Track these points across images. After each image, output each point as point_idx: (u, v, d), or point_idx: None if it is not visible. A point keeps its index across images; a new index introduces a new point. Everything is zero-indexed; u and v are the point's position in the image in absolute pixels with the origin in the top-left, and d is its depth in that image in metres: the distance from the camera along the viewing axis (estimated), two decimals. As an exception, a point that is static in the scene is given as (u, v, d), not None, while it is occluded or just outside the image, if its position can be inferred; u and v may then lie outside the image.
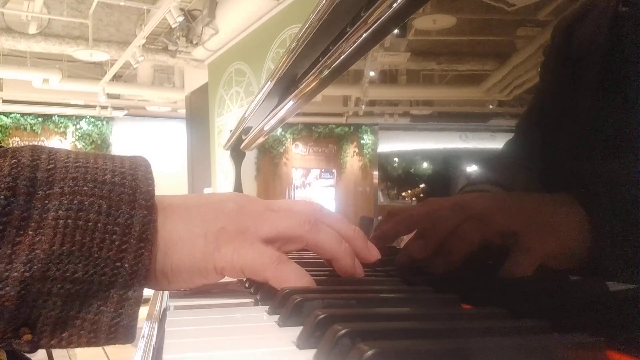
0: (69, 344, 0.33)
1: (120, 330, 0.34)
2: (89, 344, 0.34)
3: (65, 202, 0.34)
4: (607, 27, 0.35)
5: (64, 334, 0.33)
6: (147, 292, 0.41)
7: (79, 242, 0.34)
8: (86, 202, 0.35)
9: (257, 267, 0.41)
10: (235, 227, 0.42)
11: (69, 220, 0.34)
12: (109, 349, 3.66)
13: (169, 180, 8.84)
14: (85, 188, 0.35)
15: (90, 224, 0.34)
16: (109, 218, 0.35)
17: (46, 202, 0.34)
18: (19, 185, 0.33)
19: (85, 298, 0.34)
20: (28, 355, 0.36)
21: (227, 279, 0.46)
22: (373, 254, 0.48)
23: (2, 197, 0.33)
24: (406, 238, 0.69)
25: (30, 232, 0.33)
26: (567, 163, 0.39)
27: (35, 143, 0.41)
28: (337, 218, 0.47)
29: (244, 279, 0.57)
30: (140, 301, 0.36)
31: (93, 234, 0.34)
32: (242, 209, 0.43)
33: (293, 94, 0.93)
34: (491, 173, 0.53)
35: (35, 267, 0.32)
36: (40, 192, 0.34)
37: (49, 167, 0.35)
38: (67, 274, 0.33)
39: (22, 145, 0.37)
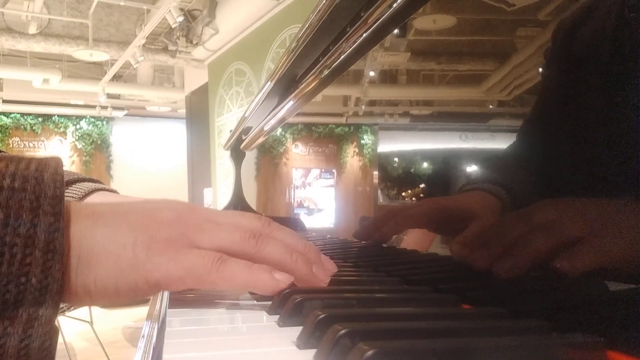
0: None
1: (30, 354, 0.31)
2: None
3: None
4: (613, 30, 0.35)
5: None
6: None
7: None
8: None
9: (200, 272, 0.37)
10: (169, 235, 0.38)
11: None
12: (109, 349, 3.66)
13: (168, 180, 8.84)
14: None
15: None
16: (7, 229, 0.31)
17: None
18: None
19: None
20: None
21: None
22: (328, 267, 0.44)
23: None
24: (407, 239, 0.69)
25: None
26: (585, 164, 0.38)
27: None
28: (286, 232, 0.43)
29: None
30: (53, 319, 0.32)
31: None
32: (179, 217, 0.39)
33: (293, 94, 0.93)
34: (491, 173, 0.53)
35: None
36: None
37: None
38: None
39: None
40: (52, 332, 0.32)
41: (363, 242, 0.77)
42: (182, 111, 7.74)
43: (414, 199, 0.71)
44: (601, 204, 0.37)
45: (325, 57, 0.76)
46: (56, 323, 0.33)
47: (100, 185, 0.71)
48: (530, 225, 0.40)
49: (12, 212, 0.32)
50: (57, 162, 0.36)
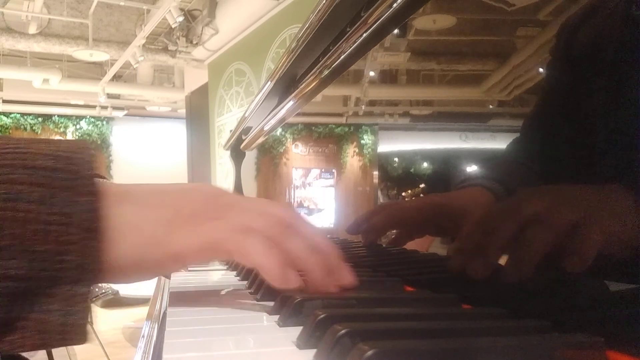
0: (17, 347, 0.31)
1: (71, 330, 0.31)
2: (40, 346, 0.31)
3: None
4: (619, 29, 0.35)
5: (10, 337, 0.30)
6: (148, 292, 0.40)
7: (10, 236, 0.30)
8: (16, 190, 0.31)
9: (218, 241, 0.37)
10: (194, 211, 0.38)
11: None
12: (109, 349, 3.66)
13: (168, 180, 8.82)
14: (16, 175, 0.32)
15: (21, 214, 0.31)
16: (46, 207, 0.31)
17: None
18: None
19: (31, 296, 0.31)
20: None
21: (229, 281, 0.46)
22: (344, 278, 0.41)
23: None
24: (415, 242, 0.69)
25: None
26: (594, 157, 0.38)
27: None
28: (314, 230, 0.42)
29: (246, 281, 0.57)
30: (89, 297, 0.33)
31: (29, 226, 0.31)
32: (207, 198, 0.40)
33: (293, 94, 0.93)
34: (488, 169, 0.53)
35: None
36: None
37: None
38: (6, 271, 0.30)
39: None
40: (88, 310, 0.33)
41: (362, 242, 0.76)
42: (182, 111, 7.74)
43: (413, 199, 0.71)
44: (593, 191, 0.37)
45: (325, 57, 0.76)
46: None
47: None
48: (522, 220, 0.39)
49: (50, 191, 0.32)
50: (87, 144, 0.37)
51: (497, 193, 0.50)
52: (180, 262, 0.38)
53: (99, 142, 9.01)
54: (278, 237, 0.39)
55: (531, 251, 0.38)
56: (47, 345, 0.31)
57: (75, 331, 0.32)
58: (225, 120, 5.45)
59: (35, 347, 0.31)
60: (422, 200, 0.69)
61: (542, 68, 0.44)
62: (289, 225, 0.40)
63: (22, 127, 8.49)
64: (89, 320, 0.33)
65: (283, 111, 1.02)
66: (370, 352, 0.23)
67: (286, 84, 0.97)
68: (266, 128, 1.19)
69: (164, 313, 0.45)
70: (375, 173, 0.79)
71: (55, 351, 2.72)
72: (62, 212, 0.32)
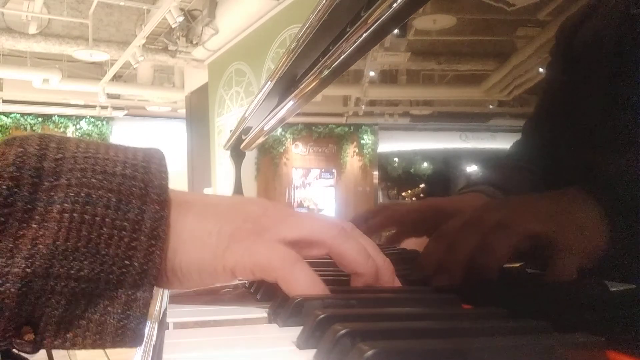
0: (73, 345, 0.32)
1: (127, 333, 0.32)
2: (94, 346, 0.32)
3: (72, 194, 0.32)
4: (616, 28, 0.35)
5: (68, 335, 0.32)
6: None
7: (85, 238, 0.31)
8: (94, 195, 0.32)
9: (268, 266, 0.37)
10: (252, 227, 0.39)
11: (74, 214, 0.31)
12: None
13: (168, 180, 8.83)
14: (93, 180, 0.33)
15: (97, 218, 0.32)
16: (118, 213, 0.33)
17: (52, 194, 0.32)
18: (23, 175, 0.31)
19: (91, 297, 0.32)
20: (25, 355, 0.34)
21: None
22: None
23: (4, 187, 0.30)
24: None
25: (34, 226, 0.31)
26: (575, 160, 0.39)
27: (46, 133, 0.38)
28: (369, 241, 0.43)
29: (246, 280, 0.58)
30: (149, 302, 0.34)
31: (100, 229, 0.32)
32: (264, 211, 0.40)
33: (293, 94, 0.93)
34: (491, 175, 0.53)
35: (37, 262, 0.30)
36: (46, 183, 0.32)
37: (56, 157, 0.33)
38: (72, 271, 0.31)
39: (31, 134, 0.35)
40: (146, 315, 0.33)
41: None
42: (182, 111, 7.74)
43: (413, 199, 0.71)
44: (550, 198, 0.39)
45: (325, 57, 0.76)
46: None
47: None
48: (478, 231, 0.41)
49: (123, 198, 0.33)
50: (161, 154, 0.38)
51: (492, 197, 0.51)
52: (232, 276, 0.38)
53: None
54: (334, 238, 0.40)
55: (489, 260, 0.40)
56: (102, 346, 0.32)
57: (131, 335, 0.32)
58: (225, 120, 5.45)
59: (92, 347, 0.32)
60: (421, 203, 0.70)
61: (542, 68, 0.44)
62: (344, 229, 0.41)
63: (22, 127, 8.48)
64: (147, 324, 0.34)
65: (283, 111, 1.02)
66: (370, 352, 0.23)
67: (286, 84, 0.97)
68: (266, 128, 1.19)
69: (164, 313, 0.45)
70: (375, 173, 0.79)
71: (56, 351, 2.71)
72: (133, 219, 0.33)
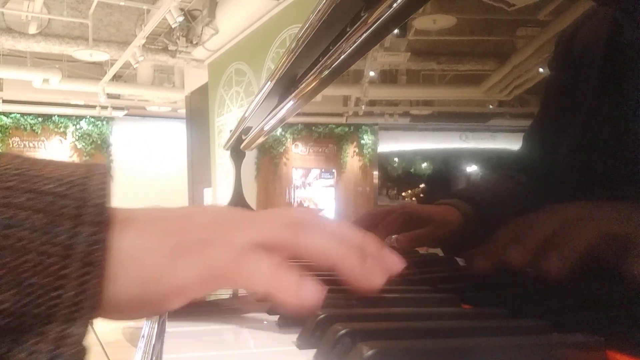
0: None
1: None
2: None
3: None
4: (607, 34, 0.35)
5: None
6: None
7: (7, 265, 0.28)
8: (19, 216, 0.29)
9: (218, 270, 0.33)
10: (199, 237, 0.34)
11: None
12: (109, 349, 3.66)
13: (169, 180, 8.84)
14: (20, 199, 0.29)
15: (21, 243, 0.28)
16: (46, 236, 0.29)
17: None
18: None
19: (17, 334, 0.28)
20: None
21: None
22: (390, 263, 0.37)
23: None
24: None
25: None
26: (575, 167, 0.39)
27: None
28: (340, 223, 0.38)
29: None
30: (83, 338, 0.29)
31: (25, 256, 0.28)
32: (214, 219, 0.36)
33: (293, 94, 0.93)
34: (473, 190, 0.55)
35: None
36: None
37: None
38: None
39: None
40: (82, 353, 0.29)
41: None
42: (182, 111, 7.74)
43: (413, 199, 0.71)
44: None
45: (325, 57, 0.76)
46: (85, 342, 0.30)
47: None
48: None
49: (53, 219, 0.29)
50: (103, 168, 0.34)
51: (464, 212, 0.54)
52: (184, 298, 0.34)
53: (99, 142, 9.01)
54: (294, 235, 0.35)
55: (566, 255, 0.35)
56: None
57: None
58: (225, 120, 5.45)
59: None
60: (402, 209, 0.73)
61: (542, 68, 0.44)
62: (302, 222, 0.36)
63: (22, 127, 8.48)
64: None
65: (283, 111, 1.02)
66: (370, 352, 0.23)
67: (286, 84, 0.97)
68: (266, 128, 1.19)
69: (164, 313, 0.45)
70: (375, 173, 0.79)
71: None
72: (63, 243, 0.29)
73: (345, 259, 0.35)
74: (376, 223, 0.74)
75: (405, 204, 0.70)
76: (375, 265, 0.36)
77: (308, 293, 0.33)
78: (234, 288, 0.34)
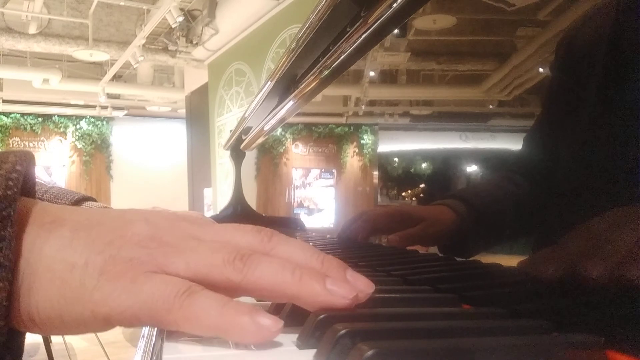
0: None
1: None
2: None
3: None
4: (608, 34, 0.35)
5: None
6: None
7: None
8: None
9: (157, 308, 0.28)
10: (132, 255, 0.29)
11: None
12: (109, 349, 3.66)
13: (168, 180, 8.84)
14: None
15: None
16: None
17: None
18: None
19: None
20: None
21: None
22: (358, 284, 0.32)
23: None
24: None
25: None
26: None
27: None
28: (295, 245, 0.33)
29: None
30: None
31: None
32: (154, 233, 0.31)
33: (293, 94, 0.93)
34: (468, 191, 0.56)
35: None
36: None
37: None
38: None
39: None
40: None
41: (362, 242, 0.77)
42: (182, 111, 7.75)
43: (413, 199, 0.71)
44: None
45: (325, 57, 0.76)
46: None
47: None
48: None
49: None
50: (20, 157, 0.29)
51: (457, 211, 0.55)
52: (108, 325, 0.29)
53: (99, 142, 9.02)
54: (239, 272, 0.30)
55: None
56: None
57: None
58: (225, 120, 5.45)
59: None
60: (395, 209, 0.75)
61: (542, 68, 0.44)
62: (256, 252, 0.31)
63: (22, 127, 8.48)
64: None
65: (283, 111, 1.02)
66: (370, 352, 0.23)
67: (286, 84, 0.97)
68: (266, 128, 1.19)
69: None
70: (375, 173, 0.80)
71: (55, 351, 2.71)
72: None
73: (300, 287, 0.30)
74: (370, 223, 0.76)
75: (400, 204, 0.72)
76: (336, 284, 0.31)
77: (265, 328, 0.28)
78: (173, 329, 0.29)
